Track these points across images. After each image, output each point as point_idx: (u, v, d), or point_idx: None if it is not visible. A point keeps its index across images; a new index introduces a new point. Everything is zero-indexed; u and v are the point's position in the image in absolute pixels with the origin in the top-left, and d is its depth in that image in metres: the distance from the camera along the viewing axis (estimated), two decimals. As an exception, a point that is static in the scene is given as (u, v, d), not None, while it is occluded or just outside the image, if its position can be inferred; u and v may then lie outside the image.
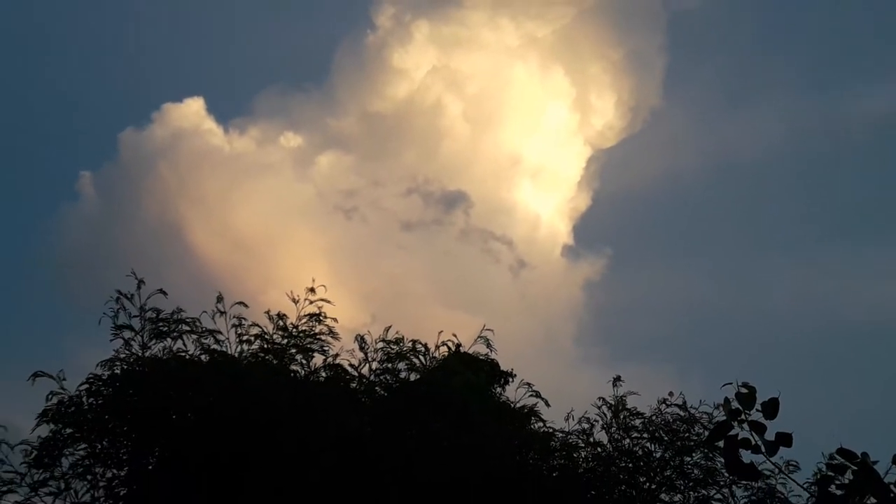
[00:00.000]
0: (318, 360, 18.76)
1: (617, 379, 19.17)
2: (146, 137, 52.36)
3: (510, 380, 19.72)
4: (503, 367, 19.69)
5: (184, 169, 52.27)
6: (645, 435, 19.07)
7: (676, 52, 54.06)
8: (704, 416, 18.71)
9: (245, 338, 18.65)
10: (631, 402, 19.14)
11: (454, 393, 17.87)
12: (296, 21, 65.83)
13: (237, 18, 65.01)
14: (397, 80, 53.11)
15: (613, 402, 19.12)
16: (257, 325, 18.82)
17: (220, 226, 50.95)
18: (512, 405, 19.11)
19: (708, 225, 60.57)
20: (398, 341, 18.81)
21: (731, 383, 7.52)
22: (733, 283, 57.83)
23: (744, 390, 7.46)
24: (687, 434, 18.90)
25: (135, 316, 18.31)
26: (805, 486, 14.54)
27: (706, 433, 18.22)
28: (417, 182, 51.94)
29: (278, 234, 50.17)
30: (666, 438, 18.93)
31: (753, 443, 7.28)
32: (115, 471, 17.86)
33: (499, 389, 19.62)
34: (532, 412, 19.02)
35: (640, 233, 60.00)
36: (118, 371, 18.02)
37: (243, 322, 18.74)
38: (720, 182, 61.19)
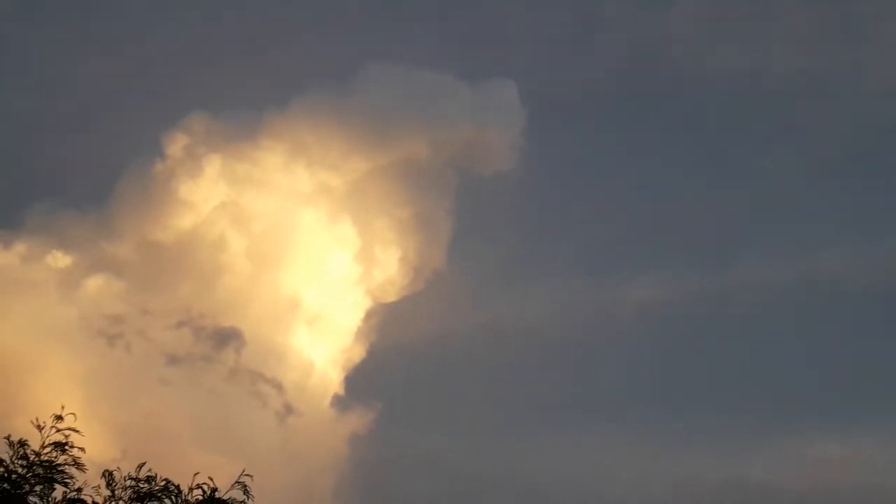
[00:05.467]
0: (59, 492, 17.39)
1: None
2: None
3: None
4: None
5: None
6: None
7: (463, 219, 55.81)
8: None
9: (-21, 464, 17.16)
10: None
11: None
12: (81, 137, 64.00)
13: (12, 124, 62.57)
14: (182, 212, 52.06)
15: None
16: (-7, 451, 17.39)
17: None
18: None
19: (475, 389, 61.61)
20: (150, 479, 17.71)
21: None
22: (496, 448, 58.57)
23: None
24: None
25: None
26: None
27: None
28: (190, 315, 50.38)
29: (33, 355, 47.12)
30: None
31: None
32: None
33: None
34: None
35: (409, 390, 60.29)
36: None
37: (-22, 446, 17.26)
38: (490, 348, 62.73)
